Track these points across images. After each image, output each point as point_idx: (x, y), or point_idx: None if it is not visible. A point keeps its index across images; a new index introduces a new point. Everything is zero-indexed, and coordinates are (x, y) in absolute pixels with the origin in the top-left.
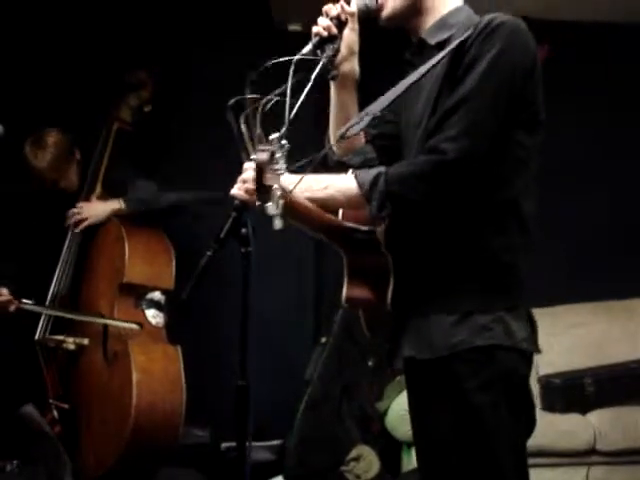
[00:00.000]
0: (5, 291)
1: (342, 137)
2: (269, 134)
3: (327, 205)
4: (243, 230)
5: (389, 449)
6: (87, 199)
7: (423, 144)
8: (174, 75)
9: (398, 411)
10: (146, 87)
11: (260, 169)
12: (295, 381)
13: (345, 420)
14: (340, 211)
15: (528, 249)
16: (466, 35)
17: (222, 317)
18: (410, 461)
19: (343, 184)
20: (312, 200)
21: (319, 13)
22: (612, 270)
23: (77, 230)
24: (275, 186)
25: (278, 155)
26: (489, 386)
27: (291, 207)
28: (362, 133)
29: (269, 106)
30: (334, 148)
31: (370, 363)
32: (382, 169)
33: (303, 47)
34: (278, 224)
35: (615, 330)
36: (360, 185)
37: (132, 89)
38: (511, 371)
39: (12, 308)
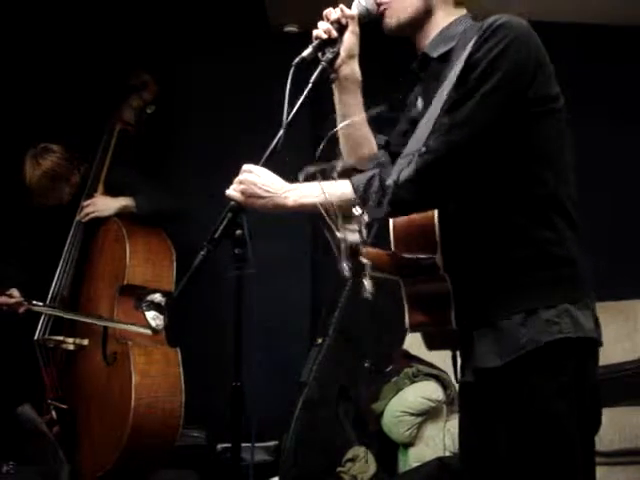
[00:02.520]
0: (16, 292)
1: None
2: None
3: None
4: (238, 231)
5: (385, 450)
6: (89, 199)
7: None
8: (173, 77)
9: (394, 412)
10: (148, 88)
11: (355, 250)
12: (291, 382)
13: (341, 421)
14: (392, 243)
15: (579, 242)
16: (472, 43)
17: (218, 318)
18: (406, 462)
19: (338, 189)
20: (308, 206)
21: (315, 14)
22: (609, 271)
23: (84, 220)
24: (367, 262)
25: (364, 232)
26: (565, 389)
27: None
28: (375, 139)
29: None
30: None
31: (366, 364)
32: (376, 171)
33: (300, 48)
34: (369, 295)
35: (611, 331)
36: (355, 189)
37: (134, 90)
38: (583, 367)
39: (22, 309)
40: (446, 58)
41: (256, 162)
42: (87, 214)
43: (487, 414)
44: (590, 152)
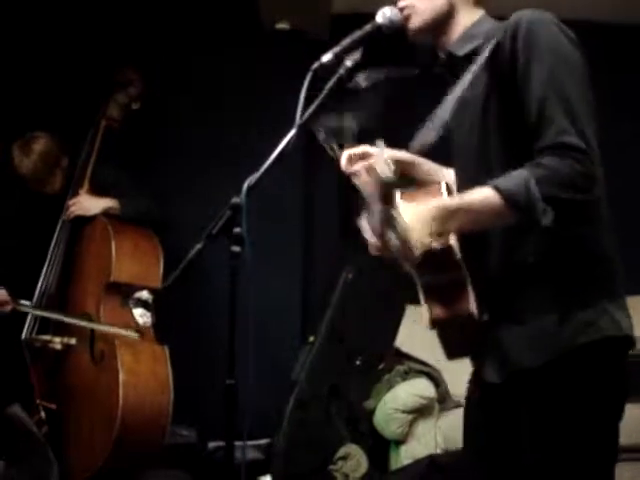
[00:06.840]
0: (3, 292)
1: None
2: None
3: (477, 225)
4: (236, 229)
5: (377, 448)
6: (74, 196)
7: (483, 152)
8: (162, 73)
9: (386, 410)
10: (135, 84)
11: (388, 191)
12: (283, 380)
13: (333, 419)
14: None
15: (614, 240)
16: (498, 38)
17: (210, 316)
18: (398, 459)
19: (481, 199)
20: (462, 228)
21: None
22: None
23: (65, 217)
24: (397, 213)
25: (395, 170)
26: (603, 392)
27: None
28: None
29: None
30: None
31: (358, 362)
32: (525, 175)
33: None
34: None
35: None
36: (507, 197)
37: (121, 86)
38: (620, 366)
39: (8, 309)
40: (473, 56)
41: (250, 160)
42: (72, 212)
43: (511, 414)
44: None
